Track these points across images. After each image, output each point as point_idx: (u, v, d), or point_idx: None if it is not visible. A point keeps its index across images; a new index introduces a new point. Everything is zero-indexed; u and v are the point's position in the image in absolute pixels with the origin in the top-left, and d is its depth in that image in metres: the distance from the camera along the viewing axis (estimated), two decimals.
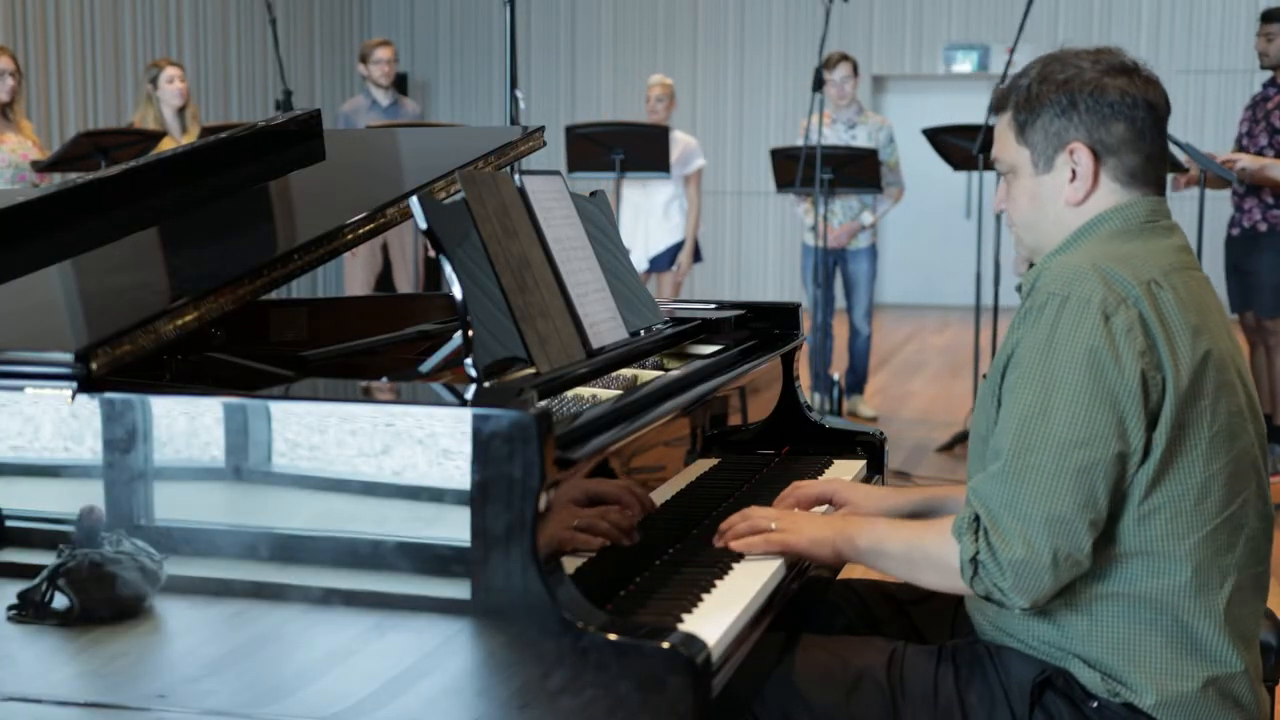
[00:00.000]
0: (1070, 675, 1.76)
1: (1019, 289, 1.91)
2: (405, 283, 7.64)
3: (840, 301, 7.74)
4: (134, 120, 6.67)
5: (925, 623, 2.07)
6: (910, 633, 2.06)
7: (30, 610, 1.71)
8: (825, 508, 2.21)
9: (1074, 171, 1.82)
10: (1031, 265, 1.89)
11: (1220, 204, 6.49)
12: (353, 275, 7.60)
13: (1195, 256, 1.85)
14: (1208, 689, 1.73)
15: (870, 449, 2.68)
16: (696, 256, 7.43)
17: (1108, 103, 1.79)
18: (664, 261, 7.24)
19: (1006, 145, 1.89)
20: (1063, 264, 1.75)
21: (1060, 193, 1.83)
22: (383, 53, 7.62)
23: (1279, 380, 5.72)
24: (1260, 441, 1.81)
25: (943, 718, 1.79)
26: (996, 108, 1.92)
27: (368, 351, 2.39)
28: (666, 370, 2.33)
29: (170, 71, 6.59)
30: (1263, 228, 5.64)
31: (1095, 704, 1.74)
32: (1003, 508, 1.68)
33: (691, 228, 7.24)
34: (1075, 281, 1.70)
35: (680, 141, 7.03)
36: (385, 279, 7.78)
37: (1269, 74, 5.78)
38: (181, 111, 6.60)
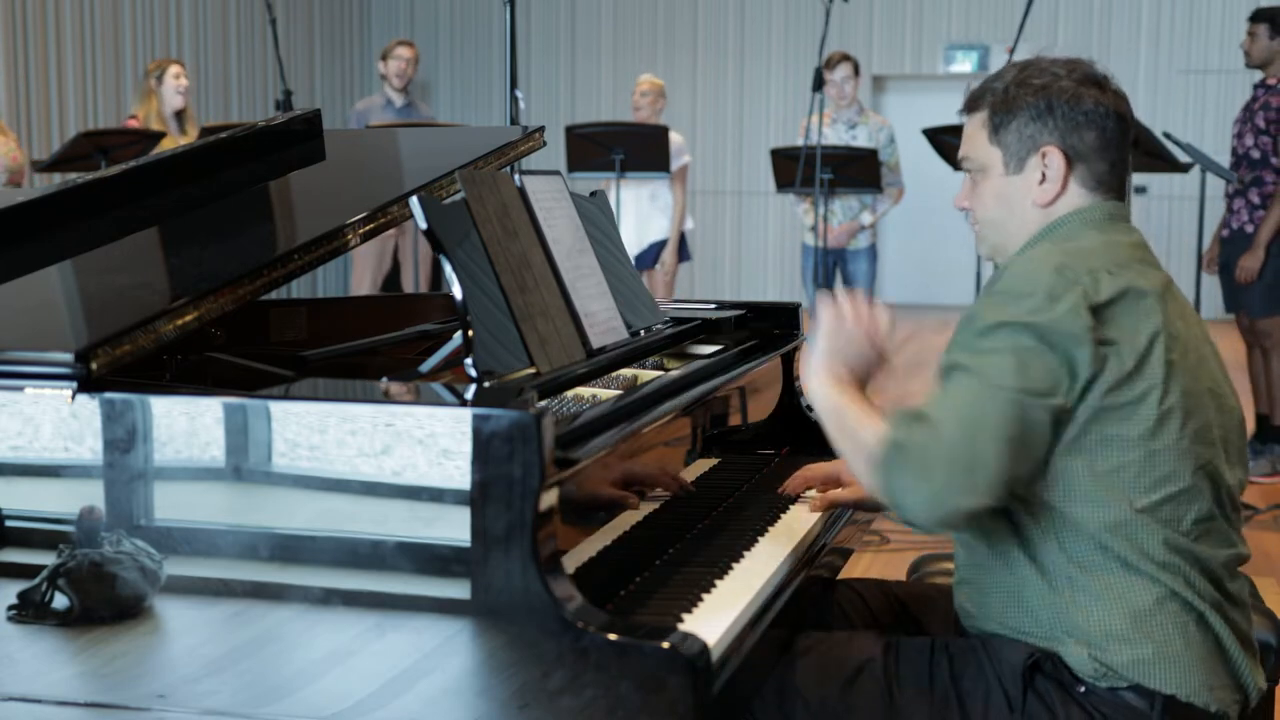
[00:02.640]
0: (1058, 658, 1.78)
1: None
2: (413, 284, 7.64)
3: None
4: (136, 114, 6.65)
5: (927, 620, 2.07)
6: (912, 630, 2.06)
7: (30, 610, 1.71)
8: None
9: (1044, 174, 1.87)
10: (998, 266, 1.92)
11: (1219, 205, 6.50)
12: (360, 276, 7.60)
13: (1153, 255, 1.90)
14: (1191, 634, 1.76)
15: None
16: (685, 255, 7.43)
17: (1082, 111, 1.86)
18: (648, 259, 7.23)
19: (978, 144, 1.93)
20: (1019, 261, 1.82)
21: (1028, 194, 1.89)
22: (402, 51, 7.61)
23: (1276, 381, 5.73)
24: (1229, 424, 1.85)
25: (939, 706, 1.81)
26: (968, 108, 1.95)
27: (368, 351, 2.39)
28: (666, 370, 2.33)
29: (175, 69, 6.57)
30: (1250, 229, 5.66)
31: (1083, 689, 1.77)
32: (934, 402, 1.72)
33: (676, 225, 7.23)
34: (1025, 274, 1.76)
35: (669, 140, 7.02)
36: (393, 280, 7.79)
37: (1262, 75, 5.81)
38: (180, 115, 6.57)
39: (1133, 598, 1.75)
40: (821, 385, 1.87)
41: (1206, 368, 1.85)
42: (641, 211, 7.19)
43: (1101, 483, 1.75)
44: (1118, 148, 1.89)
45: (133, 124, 6.58)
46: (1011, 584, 1.82)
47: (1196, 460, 1.78)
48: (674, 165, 7.09)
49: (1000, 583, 1.83)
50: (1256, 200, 5.64)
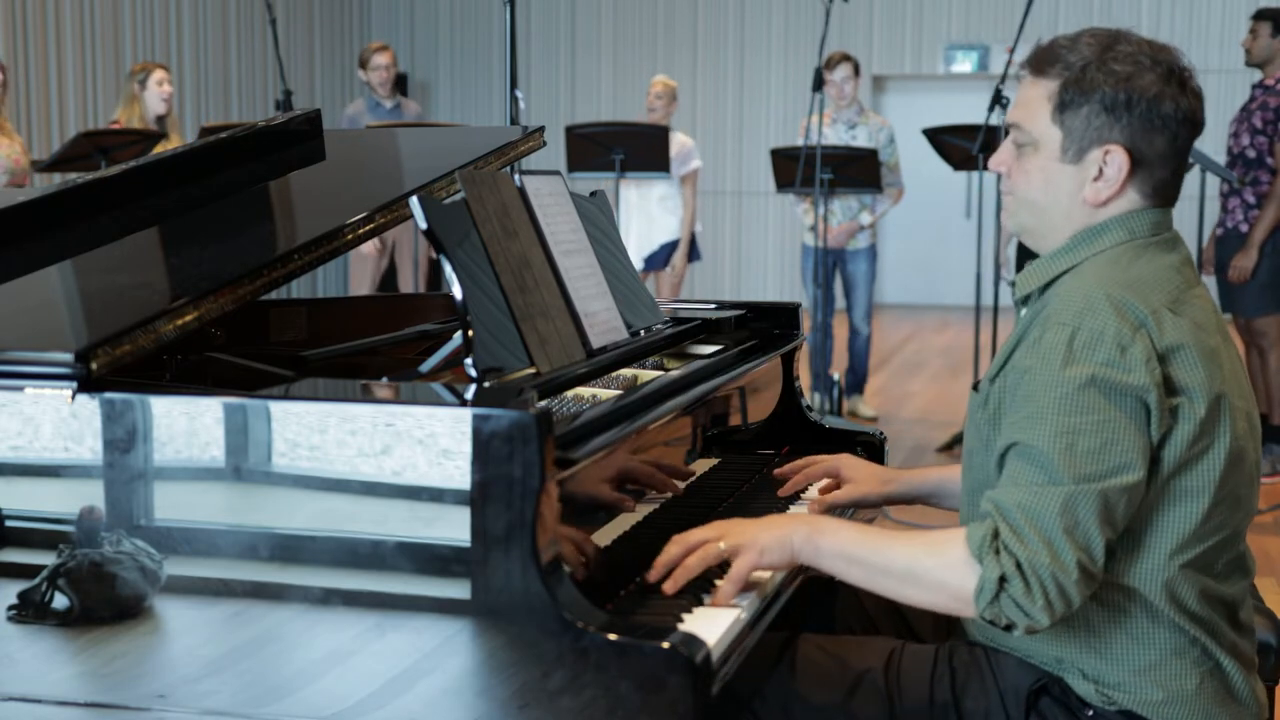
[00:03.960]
0: (1066, 684, 1.75)
1: (1011, 284, 1.88)
2: (410, 284, 7.64)
3: (840, 301, 7.75)
4: (118, 118, 6.63)
5: (920, 626, 2.06)
6: (905, 631, 2.05)
7: (30, 610, 1.71)
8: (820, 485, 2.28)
9: (1102, 171, 1.74)
10: (1022, 250, 1.87)
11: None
12: (358, 276, 7.60)
13: (1196, 270, 1.81)
14: (1205, 683, 1.73)
15: (870, 449, 2.68)
16: (696, 255, 7.45)
17: (1160, 114, 1.71)
18: (659, 260, 7.25)
19: (1037, 117, 1.77)
20: (1072, 291, 1.70)
21: (1080, 188, 1.76)
22: (380, 58, 7.59)
23: (1273, 380, 5.73)
24: (1256, 457, 1.80)
25: None
26: (1034, 68, 1.78)
27: (368, 351, 2.39)
28: (666, 370, 2.33)
29: (159, 74, 6.55)
30: (1245, 228, 5.67)
31: (1091, 712, 1.74)
32: (1019, 512, 1.61)
33: (686, 227, 7.25)
34: (1086, 313, 1.65)
35: (677, 141, 7.03)
36: (390, 280, 7.78)
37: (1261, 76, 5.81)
38: (161, 120, 6.55)
39: (1153, 647, 1.71)
40: (812, 544, 1.74)
41: (1243, 389, 1.78)
42: (650, 213, 7.21)
43: (1153, 537, 1.69)
44: (1183, 156, 1.76)
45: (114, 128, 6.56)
46: None
47: (1242, 503, 1.74)
48: (685, 169, 7.11)
49: None
50: (1252, 200, 5.65)
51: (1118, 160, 1.73)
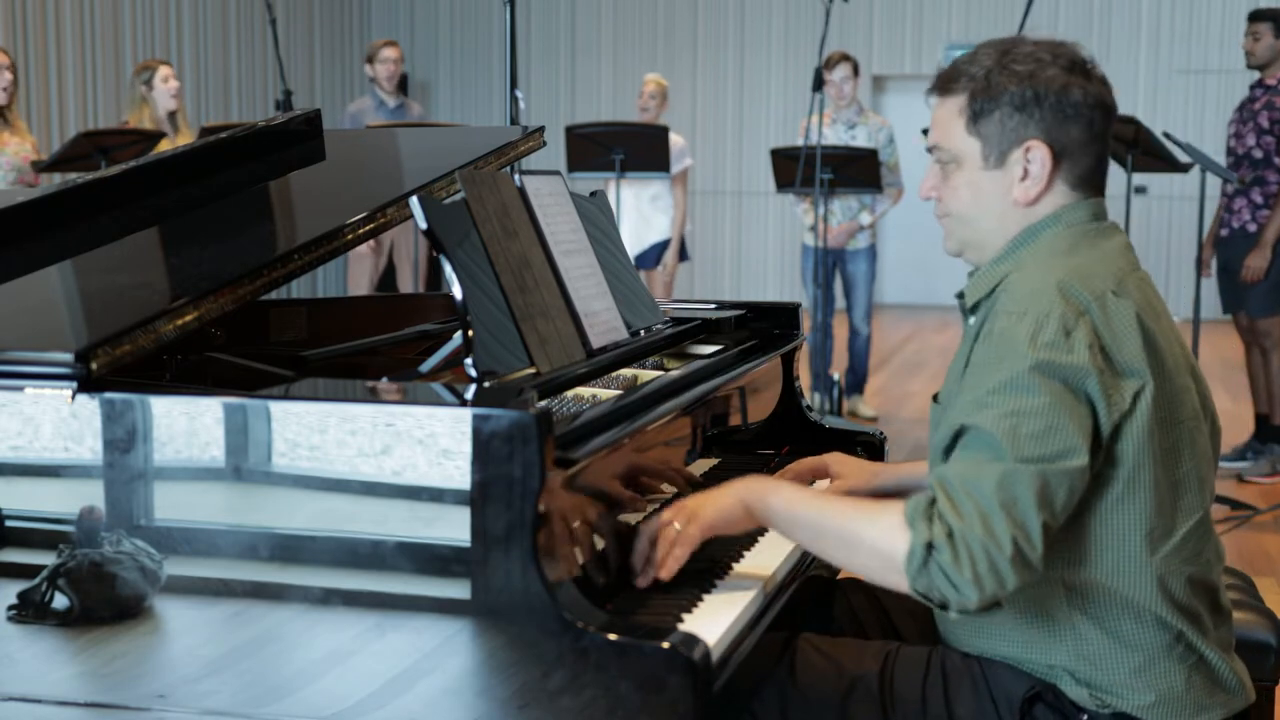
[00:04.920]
0: (1059, 690, 1.75)
1: (959, 296, 1.87)
2: (409, 284, 7.65)
3: (840, 301, 7.75)
4: (129, 120, 6.63)
5: (905, 629, 2.06)
6: (891, 633, 2.05)
7: (30, 610, 1.71)
8: (825, 482, 2.27)
9: (1026, 170, 1.75)
10: (967, 262, 1.86)
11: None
12: (356, 276, 7.60)
13: (1135, 255, 1.82)
14: (1193, 678, 1.73)
15: (870, 449, 2.68)
16: (683, 255, 7.46)
17: (1070, 103, 1.73)
18: (650, 259, 7.27)
19: (952, 133, 1.79)
20: (1019, 284, 1.71)
21: (1008, 191, 1.77)
22: (388, 52, 7.60)
23: (1275, 381, 5.73)
24: (1214, 437, 1.81)
25: None
26: (940, 90, 1.81)
27: (368, 351, 2.39)
28: (666, 370, 2.33)
29: (164, 71, 6.55)
30: (1252, 228, 5.66)
31: (1085, 717, 1.74)
32: (959, 483, 1.59)
33: (677, 227, 7.26)
34: (1032, 300, 1.66)
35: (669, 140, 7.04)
36: (389, 280, 7.79)
37: (1259, 75, 5.80)
38: (173, 116, 6.55)
39: (1139, 649, 1.71)
40: (763, 502, 1.75)
41: (1193, 369, 1.78)
42: (643, 212, 7.22)
43: (1127, 530, 1.68)
44: (1103, 141, 1.77)
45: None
46: (1008, 620, 1.76)
47: (1205, 483, 1.75)
48: (676, 168, 7.11)
49: (992, 616, 1.77)
50: (1259, 200, 5.65)
51: (1040, 155, 1.75)
